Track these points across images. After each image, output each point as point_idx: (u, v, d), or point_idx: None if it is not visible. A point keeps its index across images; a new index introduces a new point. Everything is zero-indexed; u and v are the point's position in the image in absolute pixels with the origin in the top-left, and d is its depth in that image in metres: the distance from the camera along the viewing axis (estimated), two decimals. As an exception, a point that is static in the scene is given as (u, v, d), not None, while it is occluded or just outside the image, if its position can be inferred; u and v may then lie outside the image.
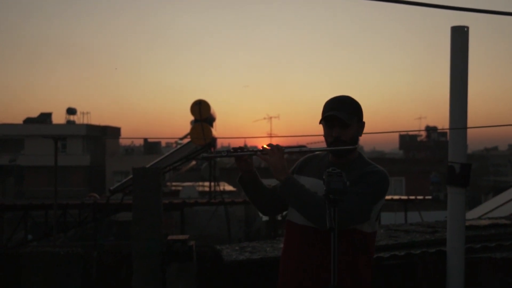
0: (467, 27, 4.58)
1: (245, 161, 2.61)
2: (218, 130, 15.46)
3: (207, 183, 18.02)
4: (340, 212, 2.16)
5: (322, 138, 2.64)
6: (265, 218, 16.18)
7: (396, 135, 53.26)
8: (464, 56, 4.58)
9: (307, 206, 2.40)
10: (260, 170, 2.84)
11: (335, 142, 2.54)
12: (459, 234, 4.63)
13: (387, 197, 15.64)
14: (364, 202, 2.43)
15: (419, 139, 50.58)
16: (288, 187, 2.46)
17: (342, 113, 2.52)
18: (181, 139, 17.51)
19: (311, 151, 2.65)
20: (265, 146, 2.59)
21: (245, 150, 2.64)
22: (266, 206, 2.74)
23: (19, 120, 48.92)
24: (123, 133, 45.64)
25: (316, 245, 2.48)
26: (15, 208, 13.89)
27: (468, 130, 4.67)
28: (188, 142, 15.55)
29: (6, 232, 14.66)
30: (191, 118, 14.80)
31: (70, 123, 40.65)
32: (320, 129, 2.67)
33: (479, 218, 7.61)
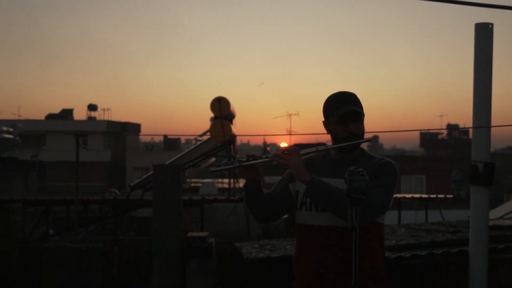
0: (492, 24, 4.50)
1: (256, 170, 2.53)
2: (237, 127, 15.48)
3: (226, 180, 18.04)
4: (369, 205, 2.21)
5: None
6: (284, 215, 16.11)
7: (417, 133, 52.74)
8: (488, 53, 4.51)
9: (338, 202, 2.36)
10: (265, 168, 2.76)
11: (350, 137, 2.51)
12: (482, 234, 4.57)
13: (407, 195, 15.58)
14: (389, 193, 2.47)
15: (440, 137, 50.01)
16: (315, 187, 2.42)
17: (357, 107, 2.52)
18: (201, 136, 17.55)
19: (328, 149, 2.61)
20: (278, 151, 2.55)
21: (257, 157, 2.54)
22: (264, 214, 2.68)
23: (41, 116, 49.59)
24: (143, 130, 45.99)
25: (336, 243, 2.46)
26: (38, 203, 14.06)
27: (492, 128, 4.60)
28: (208, 139, 15.58)
29: (29, 227, 14.87)
30: (211, 115, 14.83)
31: (91, 119, 40.99)
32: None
33: (502, 217, 7.50)
